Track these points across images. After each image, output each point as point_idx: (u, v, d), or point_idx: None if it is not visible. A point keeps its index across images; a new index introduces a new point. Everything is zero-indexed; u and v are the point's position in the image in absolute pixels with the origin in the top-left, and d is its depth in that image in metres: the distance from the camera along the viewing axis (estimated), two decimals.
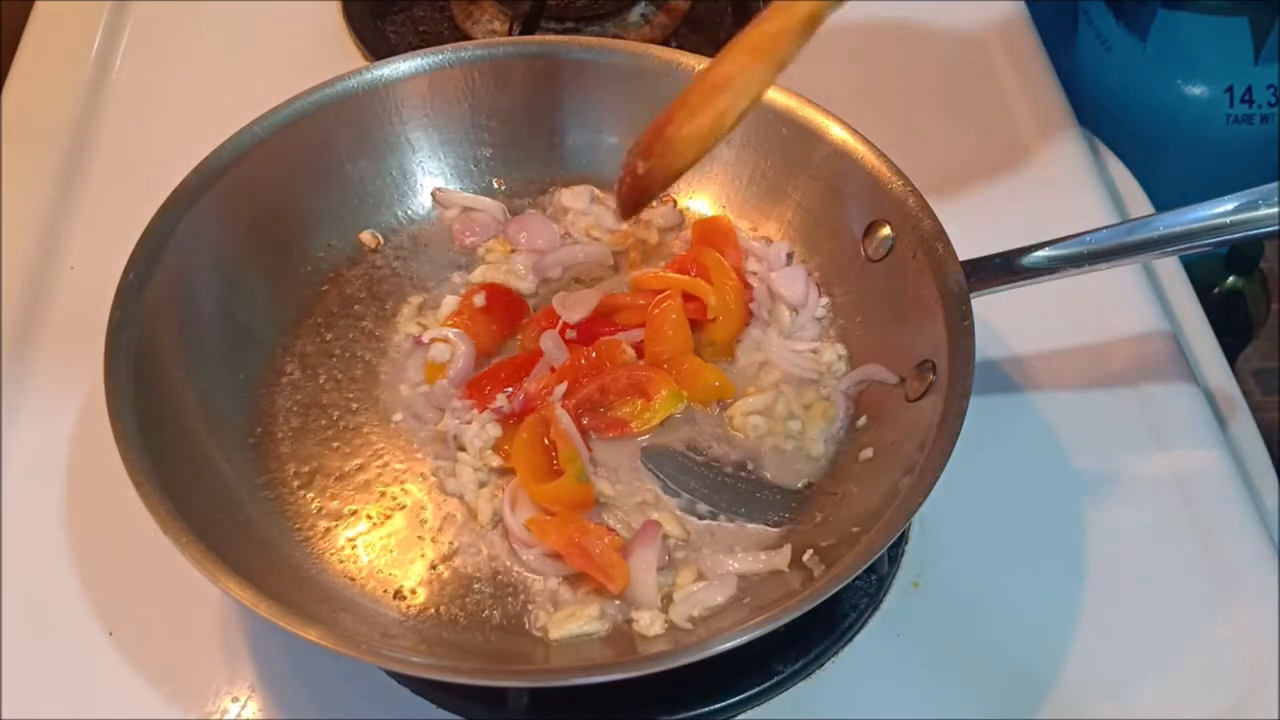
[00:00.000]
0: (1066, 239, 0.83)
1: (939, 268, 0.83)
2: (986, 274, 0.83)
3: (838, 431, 0.86)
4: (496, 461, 0.84)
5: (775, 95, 0.93)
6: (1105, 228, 0.84)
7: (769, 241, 0.95)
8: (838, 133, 0.91)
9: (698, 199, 0.99)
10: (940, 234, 0.84)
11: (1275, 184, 0.80)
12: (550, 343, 0.87)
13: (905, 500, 0.73)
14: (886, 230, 0.88)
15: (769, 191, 0.96)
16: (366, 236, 0.96)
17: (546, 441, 0.82)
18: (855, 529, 0.76)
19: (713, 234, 0.94)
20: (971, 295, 0.81)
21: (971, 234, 0.86)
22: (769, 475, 0.84)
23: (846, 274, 0.92)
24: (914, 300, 0.85)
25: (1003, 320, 0.96)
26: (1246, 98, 1.58)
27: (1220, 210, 0.81)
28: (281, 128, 0.91)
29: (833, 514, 0.81)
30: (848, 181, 0.90)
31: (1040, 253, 0.83)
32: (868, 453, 0.84)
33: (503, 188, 1.00)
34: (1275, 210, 0.79)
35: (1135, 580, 0.84)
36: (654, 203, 0.88)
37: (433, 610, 0.78)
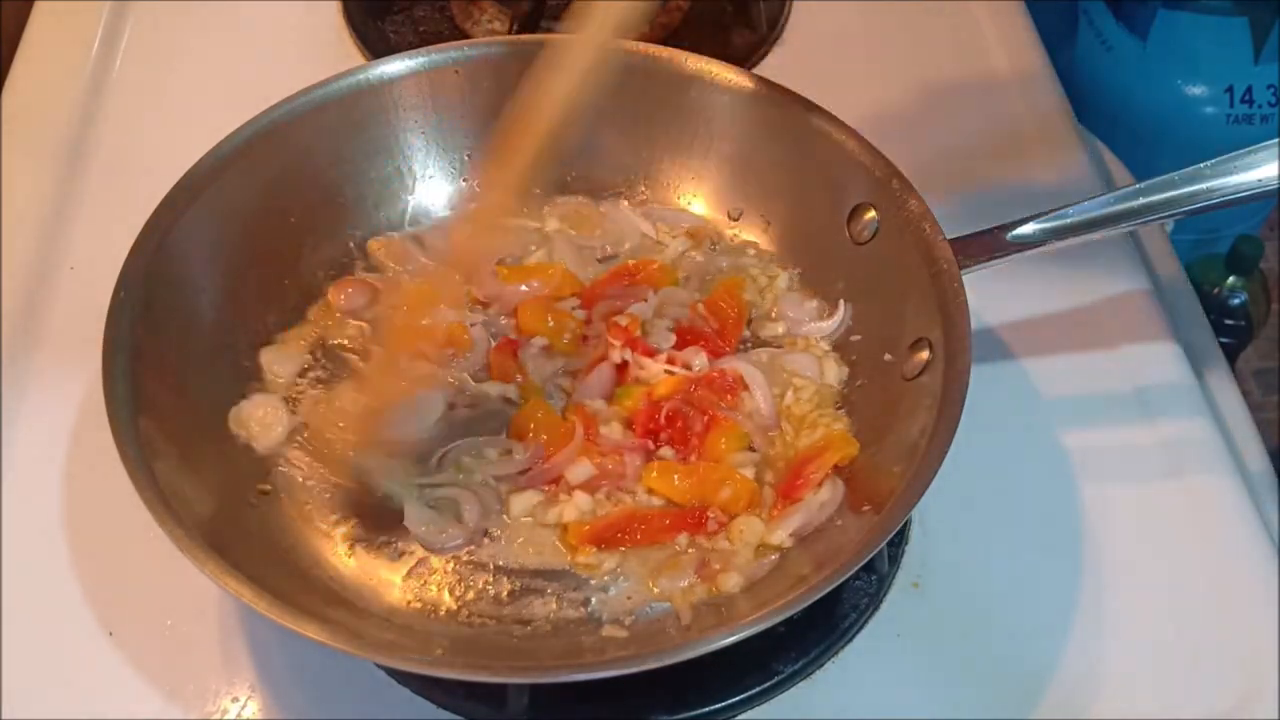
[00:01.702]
0: (1052, 211, 0.84)
1: (927, 246, 0.84)
2: (975, 250, 0.84)
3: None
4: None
5: (765, 92, 0.93)
6: (1089, 198, 0.84)
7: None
8: (823, 123, 0.91)
9: (698, 200, 0.99)
10: (926, 214, 0.85)
11: (1251, 149, 0.81)
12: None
13: (917, 474, 0.73)
14: (871, 213, 0.89)
15: (763, 186, 0.96)
16: (363, 235, 0.96)
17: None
18: (865, 508, 0.77)
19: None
20: (961, 271, 0.82)
21: (970, 230, 0.85)
22: None
23: (834, 258, 0.92)
24: (903, 280, 0.85)
25: (1003, 315, 0.96)
26: (1246, 98, 1.58)
27: (1198, 175, 0.82)
28: (279, 126, 0.91)
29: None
30: (833, 168, 0.91)
31: (1027, 226, 0.84)
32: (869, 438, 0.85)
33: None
34: (1252, 175, 0.80)
35: (1136, 580, 0.84)
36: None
37: (432, 608, 0.78)
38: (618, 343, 0.88)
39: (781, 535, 0.80)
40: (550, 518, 0.82)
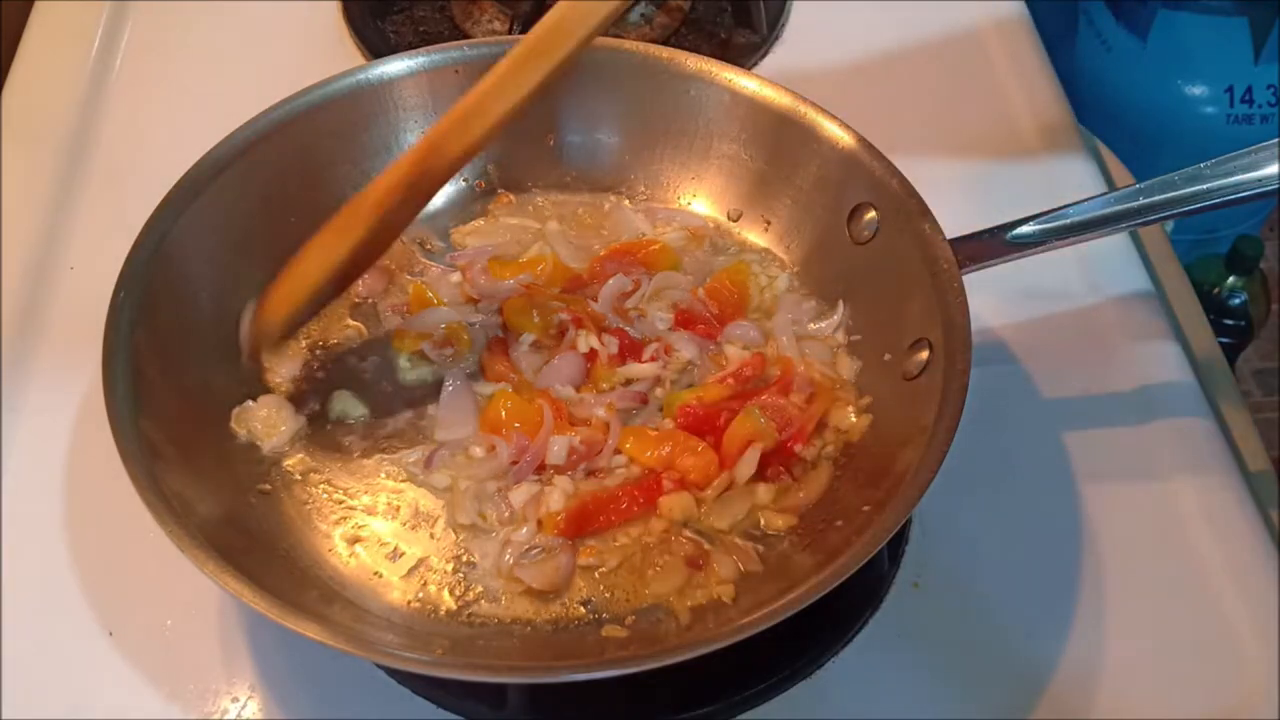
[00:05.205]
0: (1051, 211, 0.84)
1: (927, 246, 0.84)
2: (975, 250, 0.84)
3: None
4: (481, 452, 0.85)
5: (765, 92, 0.93)
6: (1089, 198, 0.84)
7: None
8: (823, 123, 0.91)
9: (698, 200, 0.99)
10: (926, 213, 0.85)
11: (1251, 149, 0.81)
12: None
13: (917, 474, 0.73)
14: (872, 213, 0.89)
15: (763, 186, 0.96)
16: None
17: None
18: (865, 508, 0.77)
19: None
20: (961, 271, 0.82)
21: (970, 230, 0.85)
22: None
23: (834, 258, 0.92)
24: (903, 280, 0.85)
25: (1003, 315, 0.96)
26: (1246, 98, 1.58)
27: (1199, 175, 0.82)
28: (279, 126, 0.91)
29: (840, 493, 0.82)
30: (833, 168, 0.91)
31: (1027, 226, 0.84)
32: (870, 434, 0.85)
33: (498, 187, 1.00)
34: (1253, 174, 0.80)
35: (1136, 580, 0.84)
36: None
37: (432, 608, 0.78)
38: (582, 331, 0.89)
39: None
40: (542, 511, 0.82)
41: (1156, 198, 0.82)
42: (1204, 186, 0.81)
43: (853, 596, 0.82)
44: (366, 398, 0.88)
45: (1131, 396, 0.93)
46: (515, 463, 0.83)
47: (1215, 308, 1.77)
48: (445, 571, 0.80)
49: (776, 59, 1.19)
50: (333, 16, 1.22)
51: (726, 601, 0.77)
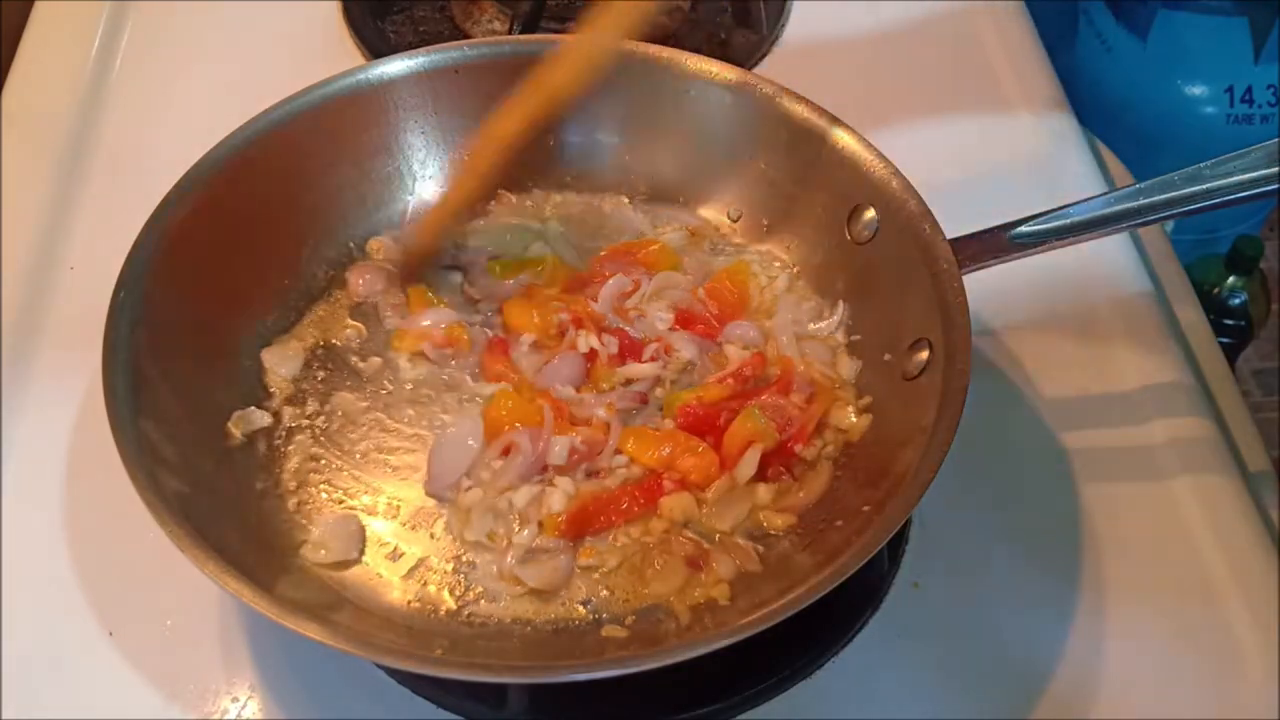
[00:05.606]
0: (1051, 212, 0.84)
1: (927, 247, 0.84)
2: (975, 250, 0.84)
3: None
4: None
5: (766, 92, 0.93)
6: (1089, 198, 0.84)
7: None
8: (824, 124, 0.91)
9: (698, 200, 0.99)
10: (926, 214, 0.85)
11: (1251, 149, 0.81)
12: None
13: (917, 474, 0.73)
14: (871, 213, 0.89)
15: (762, 186, 0.96)
16: (363, 235, 0.96)
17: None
18: (865, 508, 0.77)
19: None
20: (961, 271, 0.82)
21: (970, 230, 0.85)
22: None
23: (834, 258, 0.92)
24: (903, 280, 0.85)
25: (1003, 315, 0.96)
26: (1246, 98, 1.58)
27: (1199, 175, 0.81)
28: (279, 126, 0.91)
29: (840, 493, 0.82)
30: (833, 168, 0.91)
31: (1026, 226, 0.84)
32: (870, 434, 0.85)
33: (498, 187, 1.00)
34: (1253, 174, 0.80)
35: (1136, 580, 0.84)
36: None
37: (432, 608, 0.78)
38: (582, 332, 0.89)
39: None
40: (543, 513, 0.82)
41: (1156, 198, 0.82)
42: (1204, 186, 0.81)
43: (853, 596, 0.82)
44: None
45: (1131, 396, 0.93)
46: (506, 451, 0.83)
47: (1215, 308, 1.77)
48: (445, 571, 0.80)
49: (776, 59, 1.20)
50: (333, 16, 1.22)
51: (726, 602, 0.78)
